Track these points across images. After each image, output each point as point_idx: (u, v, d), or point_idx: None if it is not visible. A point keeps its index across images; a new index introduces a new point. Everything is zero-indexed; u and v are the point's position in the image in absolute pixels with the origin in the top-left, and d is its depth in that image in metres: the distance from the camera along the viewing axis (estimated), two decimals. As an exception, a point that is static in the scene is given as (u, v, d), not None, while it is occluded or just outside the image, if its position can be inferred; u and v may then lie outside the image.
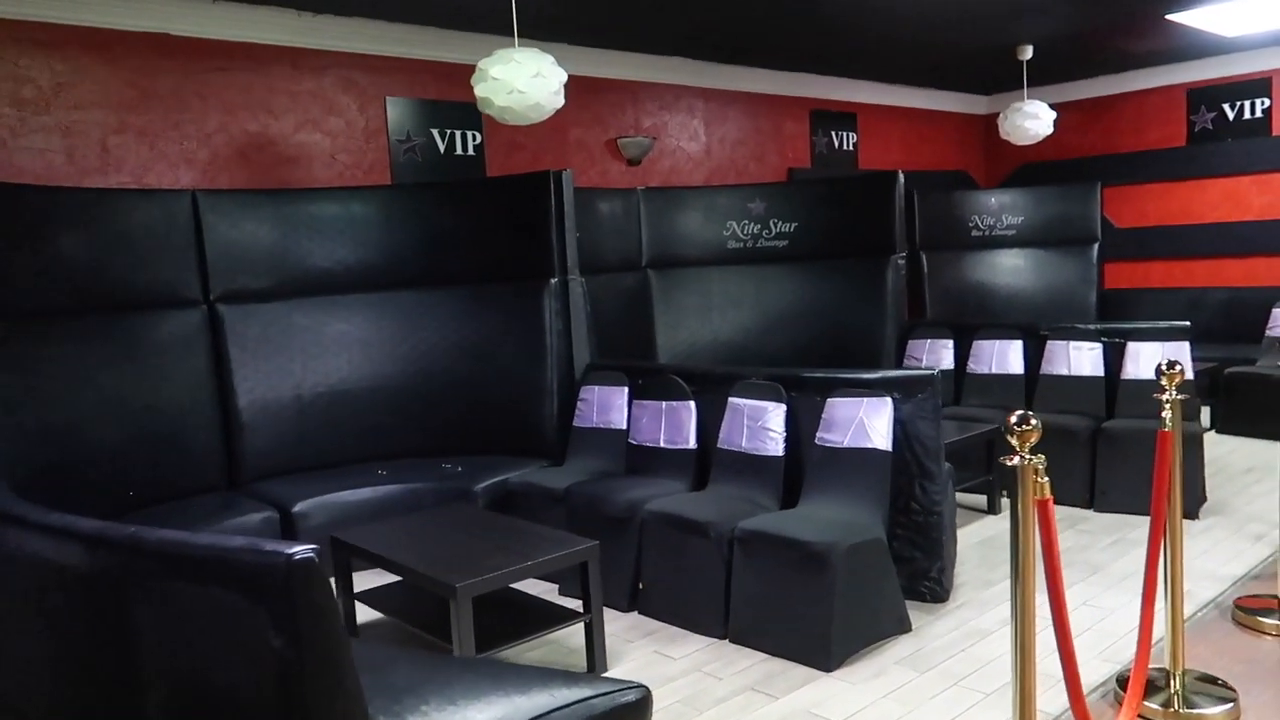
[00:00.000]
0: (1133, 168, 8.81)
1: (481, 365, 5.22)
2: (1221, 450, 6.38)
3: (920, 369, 3.91)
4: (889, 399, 3.80)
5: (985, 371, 6.01)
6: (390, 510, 4.56)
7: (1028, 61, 7.55)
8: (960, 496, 5.30)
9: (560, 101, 4.19)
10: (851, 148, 8.45)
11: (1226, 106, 8.23)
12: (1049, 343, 5.75)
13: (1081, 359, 5.61)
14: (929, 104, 8.99)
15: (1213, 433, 6.94)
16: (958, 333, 6.25)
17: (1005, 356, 5.94)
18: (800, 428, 4.09)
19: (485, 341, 5.22)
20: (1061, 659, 2.47)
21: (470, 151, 6.04)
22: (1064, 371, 5.65)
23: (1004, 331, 6.00)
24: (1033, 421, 2.24)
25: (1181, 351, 5.28)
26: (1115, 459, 5.10)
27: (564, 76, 4.18)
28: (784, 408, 4.06)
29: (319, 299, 5.11)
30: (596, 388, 4.90)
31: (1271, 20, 6.88)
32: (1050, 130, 7.33)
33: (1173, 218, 8.62)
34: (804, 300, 6.91)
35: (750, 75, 7.50)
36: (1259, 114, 8.05)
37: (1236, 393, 6.87)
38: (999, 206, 9.08)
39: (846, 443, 3.85)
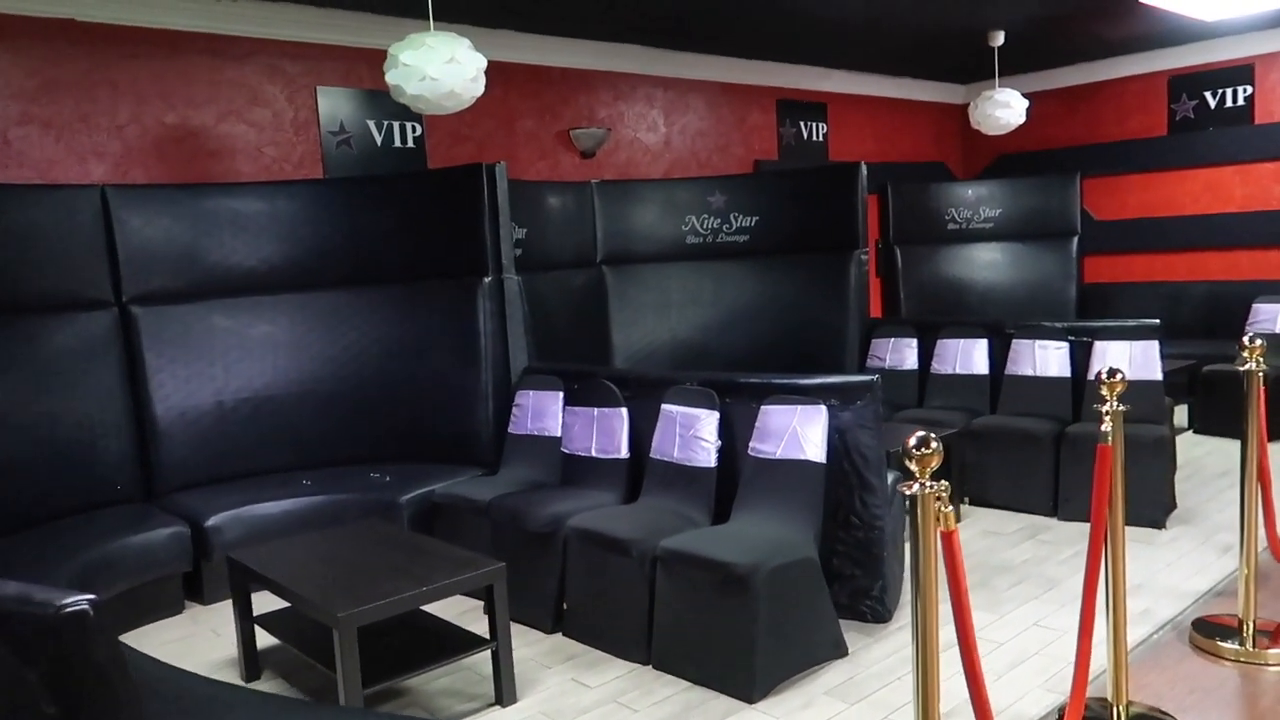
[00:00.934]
0: (1112, 158, 8.54)
1: (414, 368, 4.97)
2: (1198, 452, 6.13)
3: (859, 375, 3.65)
4: (823, 407, 3.55)
5: (949, 372, 5.76)
6: (311, 524, 4.31)
7: (1000, 48, 7.29)
8: (919, 504, 5.06)
9: (478, 89, 3.93)
10: (822, 139, 8.18)
11: (1208, 94, 7.96)
12: (1014, 342, 5.50)
13: (1048, 359, 5.36)
14: (903, 93, 8.72)
15: (1190, 433, 6.70)
16: (922, 331, 6.00)
17: (970, 356, 5.69)
18: (736, 436, 3.84)
19: (417, 343, 4.96)
20: (973, 702, 2.22)
21: (410, 144, 5.78)
22: (1029, 372, 5.40)
23: (968, 330, 5.75)
24: (933, 444, 1.98)
25: (1150, 351, 5.04)
26: (1079, 465, 4.85)
27: (482, 62, 3.92)
28: (717, 415, 3.81)
29: (242, 299, 4.85)
30: (531, 392, 4.64)
31: (1252, 3, 6.61)
32: (1022, 119, 7.07)
33: (1153, 210, 8.36)
34: (765, 297, 6.65)
35: (712, 63, 7.23)
36: (1241, 102, 7.79)
37: (1215, 391, 6.62)
38: (976, 199, 8.82)
39: (779, 454, 3.60)
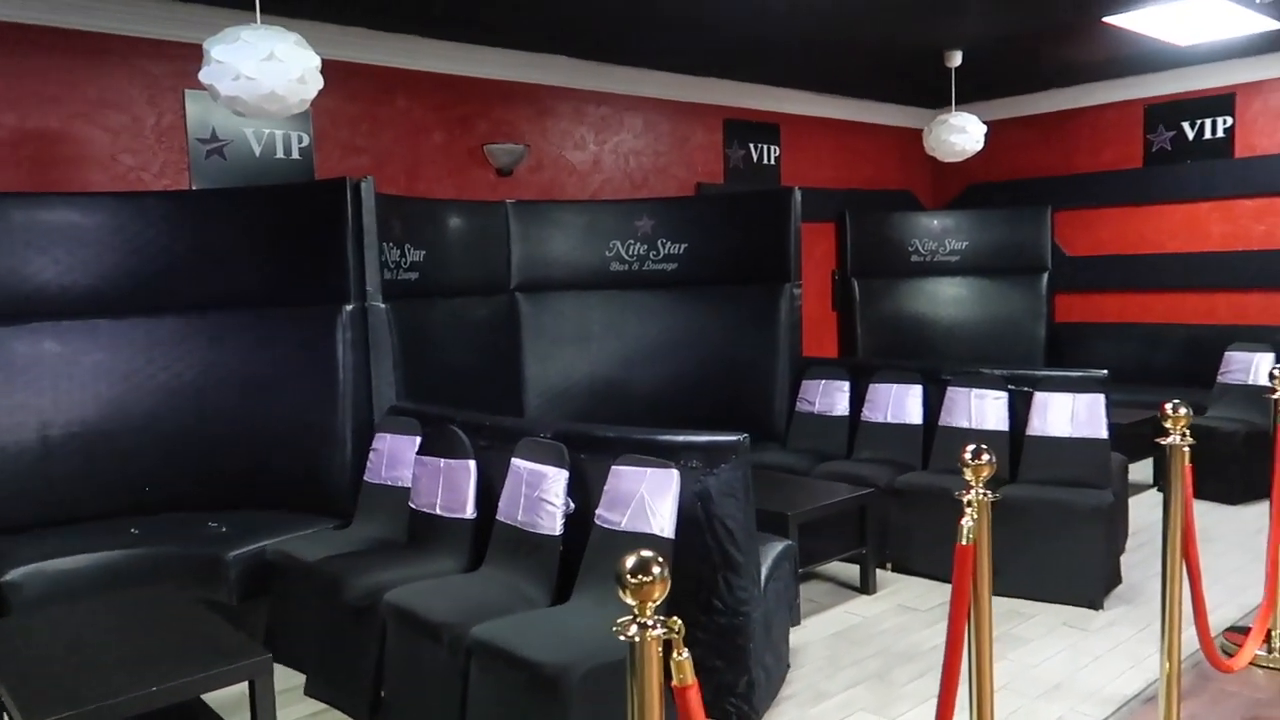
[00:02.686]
0: (1086, 190, 8.02)
1: (267, 404, 4.44)
2: (1157, 515, 5.54)
3: (725, 434, 3.11)
4: (675, 472, 3.01)
5: (880, 420, 5.21)
6: (124, 580, 3.77)
7: (961, 70, 6.79)
8: (835, 567, 4.52)
9: (309, 92, 3.43)
10: (774, 162, 7.68)
11: (1186, 125, 7.45)
12: (949, 389, 4.96)
13: (984, 410, 4.82)
14: (863, 116, 8.23)
15: (1155, 490, 6.13)
16: (856, 373, 5.46)
17: (903, 404, 5.15)
18: (591, 499, 3.30)
19: (271, 376, 4.44)
20: None
21: (295, 155, 5.28)
22: (964, 424, 4.86)
23: (902, 375, 5.21)
24: (654, 569, 1.44)
25: (1095, 406, 4.50)
26: (1010, 533, 4.29)
27: (313, 61, 3.42)
28: (565, 474, 3.27)
29: (77, 323, 4.34)
30: (390, 435, 4.11)
31: (1225, 28, 6.11)
32: (980, 146, 6.56)
33: (1128, 246, 7.83)
34: (693, 332, 6.12)
35: (652, 79, 6.75)
36: (1220, 133, 7.27)
37: (1181, 446, 6.05)
38: (941, 230, 8.31)
39: (624, 525, 3.06)
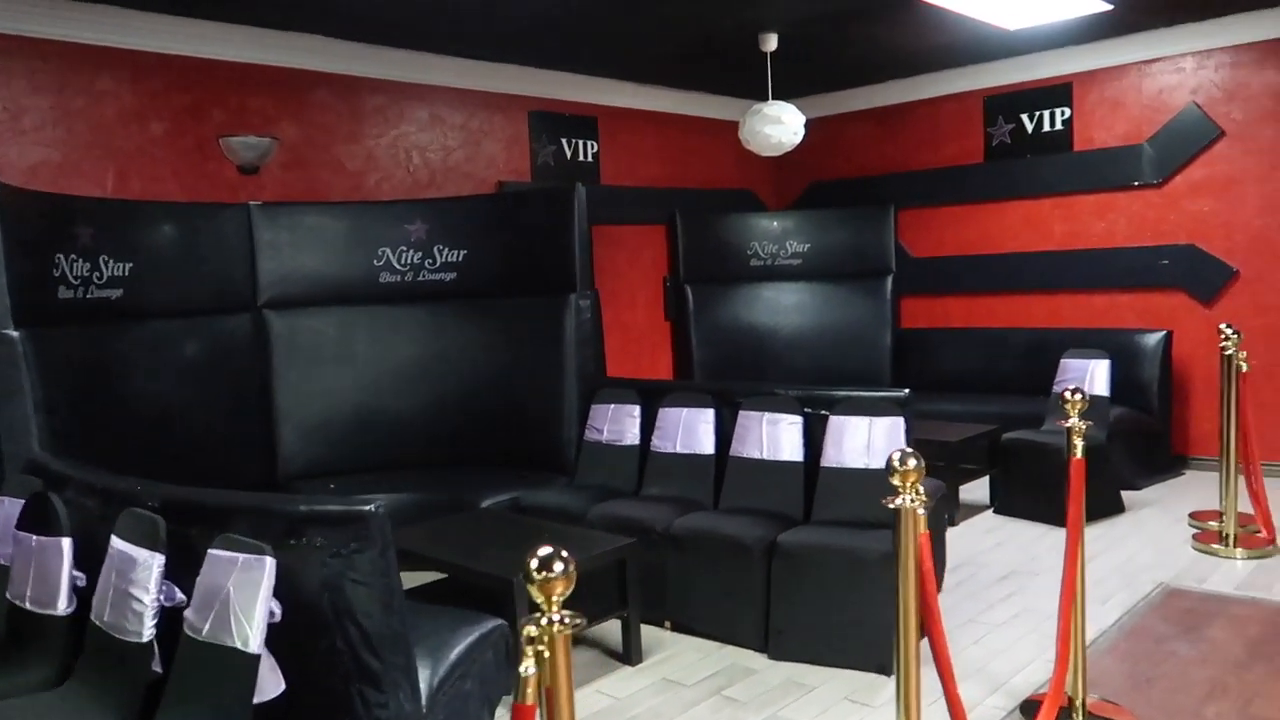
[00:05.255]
0: (929, 188, 7.55)
1: None
2: (987, 543, 5.03)
3: (356, 502, 2.36)
4: (268, 561, 2.23)
5: (670, 450, 4.53)
6: None
7: (778, 57, 6.19)
8: (607, 628, 3.81)
9: None
10: (591, 158, 6.98)
11: (1025, 117, 7.02)
12: (740, 414, 4.31)
13: (778, 437, 4.18)
14: (689, 109, 7.58)
15: (990, 513, 5.62)
16: (646, 396, 4.77)
17: (694, 431, 4.47)
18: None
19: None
20: None
21: (-46, 150, 4.34)
22: (757, 454, 4.21)
23: (694, 397, 4.54)
24: None
25: (895, 431, 3.89)
26: (793, 586, 3.64)
27: None
28: (160, 559, 2.46)
29: None
30: (7, 499, 3.21)
31: (1051, 11, 5.65)
32: (797, 138, 5.96)
33: (971, 246, 7.38)
34: (474, 350, 5.37)
35: (439, 65, 5.96)
36: (1059, 125, 6.85)
37: (1016, 464, 5.57)
38: (781, 232, 7.75)
39: (206, 631, 2.27)
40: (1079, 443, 2.95)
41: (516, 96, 6.48)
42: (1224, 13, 5.93)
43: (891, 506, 2.13)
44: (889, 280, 7.64)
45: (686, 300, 7.51)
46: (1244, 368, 4.69)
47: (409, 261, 5.35)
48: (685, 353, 7.50)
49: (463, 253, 5.35)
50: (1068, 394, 3.01)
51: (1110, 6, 5.66)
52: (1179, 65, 6.31)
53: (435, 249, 5.35)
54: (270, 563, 2.21)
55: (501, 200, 5.77)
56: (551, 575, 1.42)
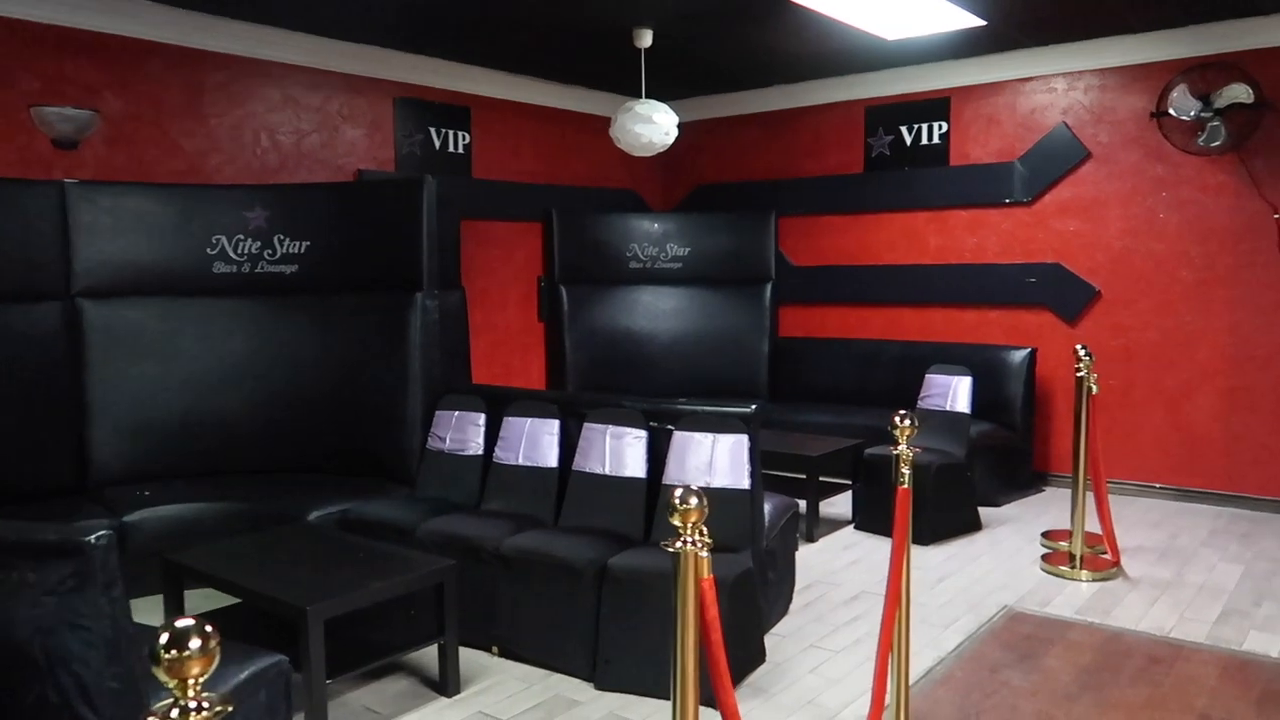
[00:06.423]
0: (810, 196, 7.48)
1: None
2: (843, 560, 4.93)
3: (74, 528, 2.05)
4: (-52, 602, 1.90)
5: (512, 463, 4.28)
6: None
7: (657, 56, 6.01)
8: (416, 657, 3.53)
9: None
10: (463, 150, 6.67)
11: (904, 129, 7.00)
12: (585, 426, 4.09)
13: (622, 452, 3.97)
14: (565, 103, 7.33)
15: (851, 529, 5.55)
16: (492, 404, 4.51)
17: (537, 443, 4.23)
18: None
19: None
20: None
21: None
22: (599, 469, 3.99)
23: (538, 407, 4.30)
24: None
25: (739, 450, 3.72)
26: (622, 612, 3.44)
27: None
28: None
29: None
30: None
31: (927, 23, 5.61)
32: (671, 139, 5.78)
33: (849, 257, 7.33)
34: (314, 349, 5.02)
35: (293, 42, 5.58)
36: (937, 139, 6.85)
37: (876, 479, 5.49)
38: (662, 234, 7.58)
39: (-126, 687, 1.92)
40: (906, 471, 2.82)
41: (381, 81, 6.13)
42: (1092, 35, 5.99)
43: (671, 550, 1.93)
44: (768, 288, 7.54)
45: (561, 301, 7.28)
46: (1094, 390, 4.69)
47: (246, 251, 4.97)
48: (559, 356, 7.26)
49: (305, 244, 4.99)
50: (896, 419, 2.88)
51: (985, 22, 5.65)
52: (1051, 85, 6.37)
53: (276, 239, 4.98)
54: (-48, 606, 1.88)
55: (349, 190, 5.41)
56: (187, 654, 1.15)
